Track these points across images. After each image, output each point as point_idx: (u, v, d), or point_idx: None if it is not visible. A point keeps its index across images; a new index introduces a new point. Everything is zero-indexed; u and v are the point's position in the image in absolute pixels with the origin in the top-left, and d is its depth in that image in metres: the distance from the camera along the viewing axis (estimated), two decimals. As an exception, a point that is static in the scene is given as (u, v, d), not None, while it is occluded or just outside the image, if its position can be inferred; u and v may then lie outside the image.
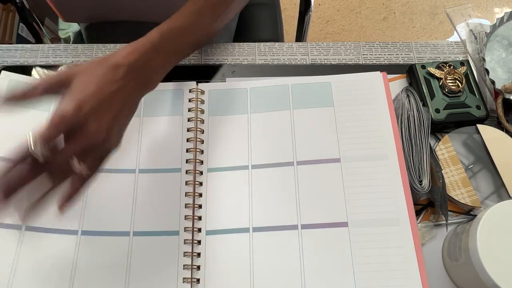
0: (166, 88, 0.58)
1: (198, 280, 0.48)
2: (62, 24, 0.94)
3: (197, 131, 0.55)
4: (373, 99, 0.56)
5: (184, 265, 0.48)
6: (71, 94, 0.43)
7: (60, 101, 0.43)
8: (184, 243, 0.49)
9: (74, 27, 0.91)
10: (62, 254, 0.48)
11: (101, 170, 0.45)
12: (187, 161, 0.53)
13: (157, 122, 0.56)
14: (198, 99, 0.57)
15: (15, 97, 0.42)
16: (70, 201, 0.43)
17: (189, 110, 0.56)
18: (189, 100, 0.57)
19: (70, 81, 0.44)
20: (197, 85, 0.59)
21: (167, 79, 0.61)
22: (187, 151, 0.54)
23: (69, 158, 0.41)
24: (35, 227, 0.49)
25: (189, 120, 0.56)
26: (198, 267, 0.48)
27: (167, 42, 0.49)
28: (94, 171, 0.44)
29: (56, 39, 1.05)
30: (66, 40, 0.93)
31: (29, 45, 0.68)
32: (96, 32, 0.81)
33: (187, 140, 0.55)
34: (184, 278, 0.47)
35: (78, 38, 0.89)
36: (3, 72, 0.59)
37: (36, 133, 0.40)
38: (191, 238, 0.49)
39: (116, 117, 0.45)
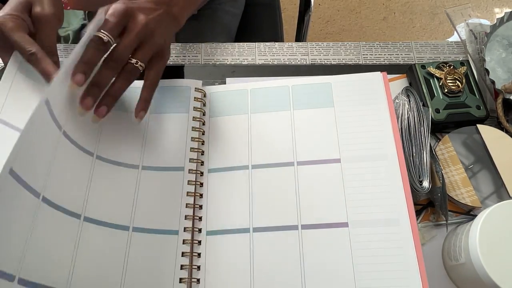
0: (173, 84, 0.58)
1: (198, 280, 0.48)
2: (61, 22, 0.94)
3: (200, 131, 0.55)
4: (373, 99, 0.56)
5: (182, 265, 0.48)
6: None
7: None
8: (183, 243, 0.49)
9: (73, 25, 0.91)
10: (63, 240, 0.46)
11: (155, 82, 0.52)
12: (190, 160, 0.53)
13: (163, 120, 0.56)
14: (201, 100, 0.57)
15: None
16: (113, 102, 0.50)
17: (194, 109, 0.56)
18: (195, 99, 0.57)
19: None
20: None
21: (167, 79, 0.61)
22: (190, 150, 0.54)
23: (130, 44, 0.49)
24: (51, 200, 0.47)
25: (194, 119, 0.56)
26: (199, 267, 0.48)
27: None
28: (143, 65, 0.50)
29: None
30: (66, 38, 0.93)
31: (29, 45, 0.67)
32: None
33: (192, 139, 0.54)
34: (181, 279, 0.47)
35: (78, 37, 0.89)
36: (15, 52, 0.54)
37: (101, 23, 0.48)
38: (190, 238, 0.49)
39: (161, 21, 0.51)
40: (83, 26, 0.86)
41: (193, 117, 0.56)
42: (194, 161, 0.53)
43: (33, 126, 0.40)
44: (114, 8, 0.49)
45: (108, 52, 0.49)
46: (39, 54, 0.50)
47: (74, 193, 0.48)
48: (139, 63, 0.49)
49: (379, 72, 0.58)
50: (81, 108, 0.48)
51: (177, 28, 0.55)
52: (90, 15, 0.84)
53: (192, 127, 0.55)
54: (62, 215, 0.47)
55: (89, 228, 0.48)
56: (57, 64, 0.53)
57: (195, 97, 0.57)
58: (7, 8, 0.52)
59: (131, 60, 0.49)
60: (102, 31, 0.47)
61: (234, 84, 0.60)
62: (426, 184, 0.52)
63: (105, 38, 0.47)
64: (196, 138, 0.54)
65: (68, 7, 0.76)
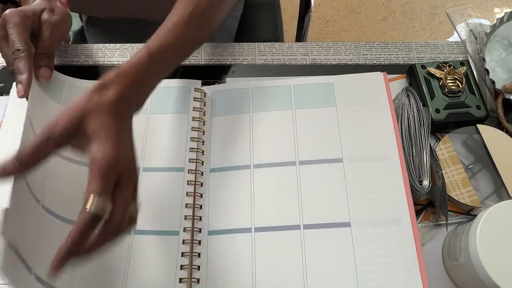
0: (172, 85, 0.58)
1: (198, 280, 0.48)
2: (62, 22, 0.94)
3: (199, 131, 0.55)
4: (375, 99, 0.56)
5: (181, 266, 0.48)
6: (97, 137, 0.39)
7: (91, 148, 0.39)
8: (183, 243, 0.49)
9: (73, 26, 0.91)
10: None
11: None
12: (189, 161, 0.53)
13: (163, 120, 0.56)
14: (201, 100, 0.57)
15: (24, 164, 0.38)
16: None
17: (193, 109, 0.56)
18: (194, 99, 0.57)
19: (82, 125, 0.40)
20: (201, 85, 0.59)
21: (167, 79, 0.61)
22: (190, 150, 0.54)
23: (127, 203, 0.39)
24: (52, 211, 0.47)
25: (193, 119, 0.56)
26: (199, 267, 0.48)
27: (157, 61, 0.47)
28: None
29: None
30: (65, 39, 0.93)
31: (29, 45, 0.68)
32: (96, 28, 0.81)
33: (191, 139, 0.54)
34: (181, 279, 0.47)
35: (78, 37, 0.89)
36: (14, 84, 0.57)
37: (89, 192, 0.36)
38: (190, 238, 0.49)
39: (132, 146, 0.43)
40: (83, 28, 0.86)
41: (193, 117, 0.56)
42: (194, 161, 0.53)
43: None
44: (103, 157, 0.38)
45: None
46: (24, 53, 0.50)
47: (74, 202, 0.47)
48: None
49: (381, 72, 0.58)
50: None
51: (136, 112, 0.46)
52: (88, 19, 0.84)
53: (192, 127, 0.55)
54: (61, 223, 0.47)
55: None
56: (49, 67, 0.54)
57: (194, 97, 0.57)
58: (22, 7, 0.54)
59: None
60: (95, 195, 0.36)
61: (236, 83, 0.60)
62: (426, 183, 0.52)
63: (104, 215, 0.37)
64: (196, 138, 0.54)
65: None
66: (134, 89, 0.44)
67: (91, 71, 0.65)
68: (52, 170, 0.49)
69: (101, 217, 0.37)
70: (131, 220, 0.41)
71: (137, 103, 0.45)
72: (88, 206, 0.36)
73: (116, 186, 0.39)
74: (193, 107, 0.56)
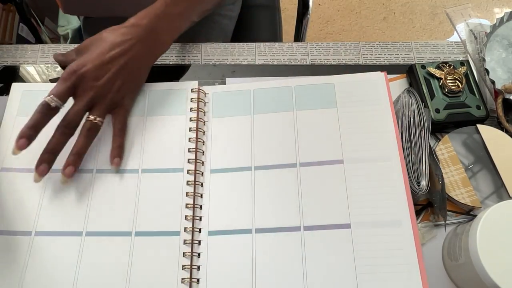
0: (168, 87, 0.58)
1: (198, 280, 0.48)
2: (61, 21, 0.94)
3: (198, 132, 0.55)
4: (376, 99, 0.56)
5: (183, 266, 0.48)
6: (81, 56, 0.53)
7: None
8: (184, 244, 0.49)
9: (73, 24, 0.91)
10: (66, 255, 0.49)
11: (121, 128, 0.54)
12: (188, 161, 0.53)
13: (160, 122, 0.56)
14: (200, 100, 0.57)
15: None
16: (78, 161, 0.52)
17: (191, 110, 0.56)
18: (191, 100, 0.57)
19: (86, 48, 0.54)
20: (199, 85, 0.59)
21: (168, 79, 0.61)
22: (189, 151, 0.54)
23: (79, 108, 0.51)
24: (43, 231, 0.50)
25: (191, 120, 0.56)
26: (199, 268, 0.48)
27: (172, 6, 0.55)
28: (102, 120, 0.52)
29: (56, 39, 1.05)
30: (65, 37, 0.93)
31: (29, 45, 0.68)
32: (95, 27, 0.82)
33: (189, 140, 0.55)
34: (182, 279, 0.47)
35: (77, 35, 0.89)
36: (13, 85, 0.59)
37: (49, 93, 0.49)
38: (190, 239, 0.49)
39: (118, 73, 0.52)
40: (82, 26, 0.86)
41: (190, 118, 0.56)
42: (193, 161, 0.53)
43: None
44: (66, 71, 0.51)
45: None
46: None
47: (75, 214, 0.51)
48: (97, 118, 0.52)
49: (381, 72, 0.58)
50: (37, 176, 0.50)
51: (155, 55, 0.57)
52: (85, 19, 0.84)
53: (190, 128, 0.55)
54: (62, 238, 0.50)
55: (91, 241, 0.50)
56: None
57: (191, 98, 0.57)
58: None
59: (89, 117, 0.52)
60: (51, 95, 0.49)
61: (237, 84, 0.60)
62: (424, 185, 0.52)
63: (53, 104, 0.49)
64: (193, 138, 0.54)
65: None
66: (150, 28, 0.55)
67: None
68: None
69: (51, 107, 0.49)
70: (93, 126, 0.52)
71: (154, 44, 0.55)
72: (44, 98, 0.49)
73: (75, 91, 0.51)
74: (190, 108, 0.56)
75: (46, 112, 0.49)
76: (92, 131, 0.52)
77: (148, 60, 0.56)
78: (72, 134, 0.51)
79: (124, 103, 0.55)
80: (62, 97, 0.50)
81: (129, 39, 0.53)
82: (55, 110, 0.50)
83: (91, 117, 0.51)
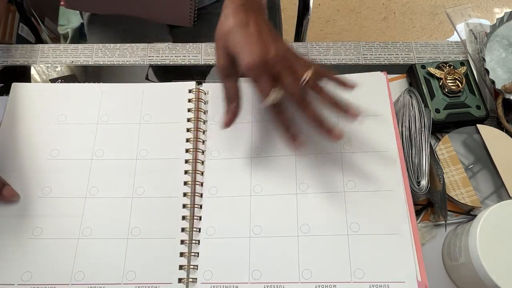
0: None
1: (195, 279, 0.48)
2: (61, 20, 0.94)
3: (198, 131, 0.55)
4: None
5: (180, 266, 0.48)
6: (240, 49, 0.48)
7: (239, 58, 0.47)
8: (181, 243, 0.49)
9: (73, 23, 0.91)
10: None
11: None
12: (186, 162, 0.53)
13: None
14: (200, 100, 0.57)
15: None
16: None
17: (188, 111, 0.56)
18: (189, 101, 0.57)
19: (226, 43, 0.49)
20: (198, 85, 0.59)
21: (168, 79, 0.61)
22: (186, 151, 0.54)
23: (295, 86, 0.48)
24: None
25: (188, 120, 0.56)
26: (197, 267, 0.48)
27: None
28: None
29: (56, 39, 1.05)
30: (65, 36, 0.93)
31: (29, 45, 0.68)
32: (96, 25, 0.82)
33: (187, 141, 0.55)
34: (179, 279, 0.48)
35: (77, 35, 0.89)
36: (13, 85, 0.59)
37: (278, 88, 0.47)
38: (188, 239, 0.50)
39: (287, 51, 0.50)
40: (82, 25, 0.86)
41: (188, 118, 0.56)
42: (192, 162, 0.53)
43: None
44: (254, 58, 0.47)
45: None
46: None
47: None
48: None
49: (382, 72, 0.58)
50: (333, 138, 0.49)
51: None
52: (90, 16, 0.84)
53: (187, 129, 0.55)
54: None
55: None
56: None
57: (189, 99, 0.57)
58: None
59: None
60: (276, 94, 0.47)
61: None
62: (424, 185, 0.52)
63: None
64: (192, 139, 0.54)
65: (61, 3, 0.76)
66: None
67: (91, 71, 0.65)
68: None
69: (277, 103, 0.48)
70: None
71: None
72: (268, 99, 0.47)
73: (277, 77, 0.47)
74: (188, 108, 0.56)
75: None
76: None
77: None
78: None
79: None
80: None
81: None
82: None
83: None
